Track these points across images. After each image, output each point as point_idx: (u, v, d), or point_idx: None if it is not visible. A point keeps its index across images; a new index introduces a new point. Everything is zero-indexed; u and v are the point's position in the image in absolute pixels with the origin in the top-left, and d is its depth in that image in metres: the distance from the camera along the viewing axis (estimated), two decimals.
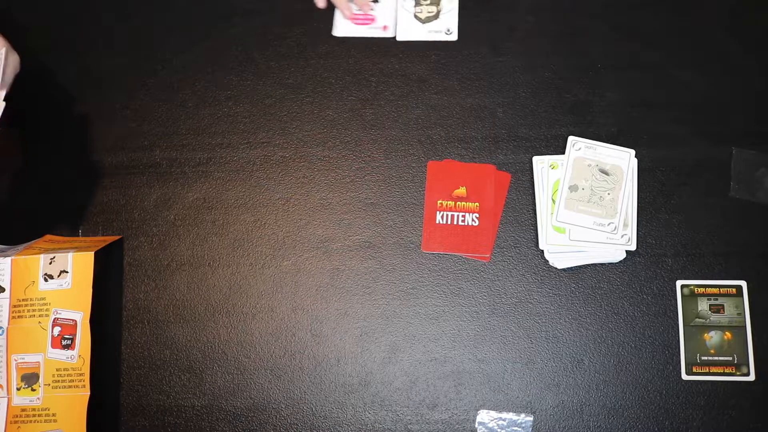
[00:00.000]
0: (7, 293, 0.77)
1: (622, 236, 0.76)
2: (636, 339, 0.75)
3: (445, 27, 0.85)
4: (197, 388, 0.78)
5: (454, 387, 0.76)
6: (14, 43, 0.86)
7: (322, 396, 0.76)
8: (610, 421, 0.74)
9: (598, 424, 0.74)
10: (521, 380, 0.75)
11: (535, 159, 0.79)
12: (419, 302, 0.78)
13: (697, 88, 0.81)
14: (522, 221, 0.79)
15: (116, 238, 0.81)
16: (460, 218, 0.78)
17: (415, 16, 0.86)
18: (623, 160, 0.78)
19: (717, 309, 0.75)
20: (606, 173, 0.78)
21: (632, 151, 0.78)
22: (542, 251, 0.77)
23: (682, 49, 0.82)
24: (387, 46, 0.85)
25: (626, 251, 0.76)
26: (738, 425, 0.73)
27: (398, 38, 0.85)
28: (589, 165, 0.78)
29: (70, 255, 0.76)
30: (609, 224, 0.76)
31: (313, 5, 0.87)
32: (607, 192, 0.77)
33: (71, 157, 0.84)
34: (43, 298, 0.76)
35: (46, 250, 0.78)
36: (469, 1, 0.86)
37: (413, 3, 0.87)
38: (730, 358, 0.74)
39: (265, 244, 0.81)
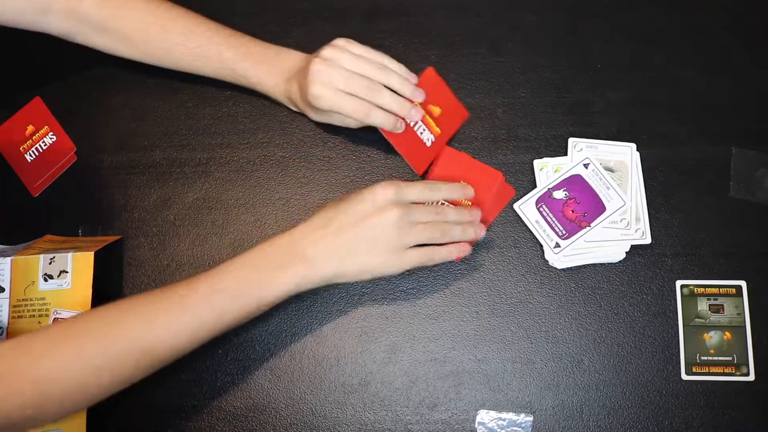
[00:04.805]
0: (7, 293, 0.77)
1: (636, 230, 0.76)
2: (636, 339, 0.75)
3: None
4: (197, 388, 0.78)
5: (454, 387, 0.76)
6: (13, 43, 0.86)
7: (321, 396, 0.76)
8: (610, 421, 0.74)
9: (598, 424, 0.74)
10: (521, 380, 0.75)
11: (536, 162, 0.79)
12: (419, 302, 0.78)
13: (697, 88, 0.81)
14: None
15: (116, 238, 0.81)
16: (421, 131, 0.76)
17: None
18: (626, 155, 0.78)
19: (717, 309, 0.75)
20: (611, 170, 0.78)
21: (633, 145, 0.78)
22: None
23: (682, 49, 0.82)
24: (387, 46, 0.84)
25: (627, 250, 0.76)
26: (738, 425, 0.73)
27: None
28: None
29: (70, 255, 0.76)
30: (622, 220, 0.76)
31: (313, 5, 0.87)
32: None
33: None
34: (43, 298, 0.76)
35: (46, 250, 0.77)
36: (469, 1, 0.86)
37: None
38: (730, 358, 0.74)
39: None
